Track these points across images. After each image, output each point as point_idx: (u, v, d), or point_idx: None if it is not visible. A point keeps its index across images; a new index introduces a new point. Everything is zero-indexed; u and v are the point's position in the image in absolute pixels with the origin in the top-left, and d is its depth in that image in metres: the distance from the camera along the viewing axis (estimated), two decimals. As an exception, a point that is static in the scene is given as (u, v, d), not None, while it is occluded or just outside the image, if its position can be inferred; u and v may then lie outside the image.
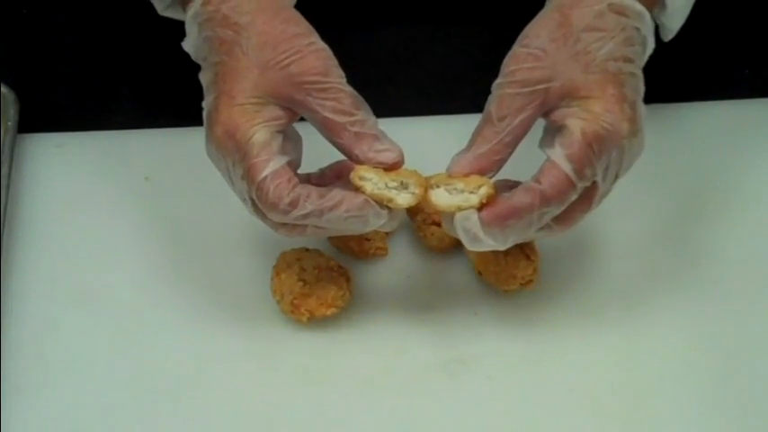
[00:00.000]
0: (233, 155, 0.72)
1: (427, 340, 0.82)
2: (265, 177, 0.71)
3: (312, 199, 0.71)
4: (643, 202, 0.87)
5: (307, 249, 0.83)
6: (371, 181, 0.71)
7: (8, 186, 0.87)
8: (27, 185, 0.89)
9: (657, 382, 0.81)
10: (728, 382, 0.81)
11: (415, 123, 0.89)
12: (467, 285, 0.84)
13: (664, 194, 0.88)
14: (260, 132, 0.71)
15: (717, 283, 0.85)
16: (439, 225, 0.84)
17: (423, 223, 0.85)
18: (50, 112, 0.93)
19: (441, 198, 0.72)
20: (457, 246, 0.85)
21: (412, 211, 0.86)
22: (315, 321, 0.81)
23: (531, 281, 0.82)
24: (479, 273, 0.83)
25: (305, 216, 0.71)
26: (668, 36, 0.80)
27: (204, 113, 0.74)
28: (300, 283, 0.81)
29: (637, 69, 0.73)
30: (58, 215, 0.88)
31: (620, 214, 0.86)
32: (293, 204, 0.71)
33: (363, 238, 0.84)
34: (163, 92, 0.93)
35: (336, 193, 0.71)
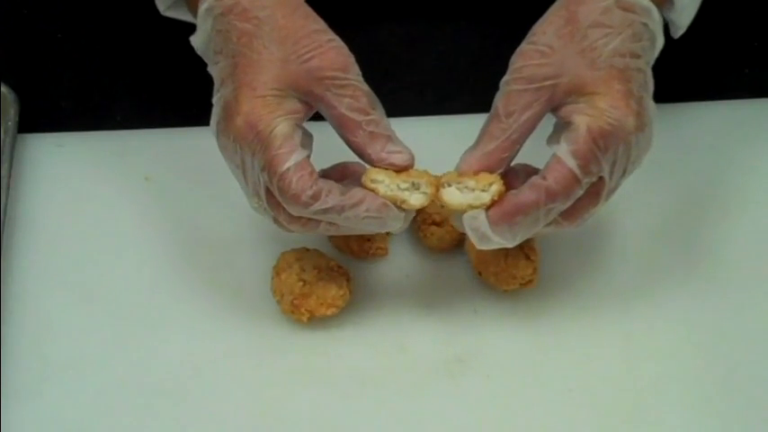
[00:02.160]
0: (253, 146, 0.72)
1: (427, 339, 0.82)
2: (288, 169, 0.71)
3: (334, 194, 0.71)
4: (643, 201, 0.87)
5: (307, 249, 0.83)
6: (383, 183, 0.72)
7: (8, 186, 0.87)
8: (27, 185, 0.89)
9: (657, 381, 0.81)
10: (729, 382, 0.81)
11: (415, 123, 0.89)
12: (467, 285, 0.84)
13: (663, 194, 0.88)
14: (282, 124, 0.71)
15: (716, 283, 0.85)
16: (439, 225, 0.84)
17: (423, 223, 0.85)
18: (50, 112, 0.93)
19: (452, 197, 0.72)
20: (457, 246, 0.85)
21: (412, 211, 0.86)
22: (315, 321, 0.81)
23: (531, 281, 0.82)
24: (479, 273, 0.83)
25: (325, 211, 0.71)
26: (678, 33, 0.80)
27: (219, 105, 0.74)
28: (300, 283, 0.81)
29: (644, 65, 0.73)
30: (58, 215, 0.88)
31: (620, 214, 0.86)
32: (315, 197, 0.71)
33: (364, 238, 0.84)
34: (163, 92, 0.93)
35: (357, 192, 0.71)
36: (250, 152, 0.72)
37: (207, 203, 0.88)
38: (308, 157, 0.72)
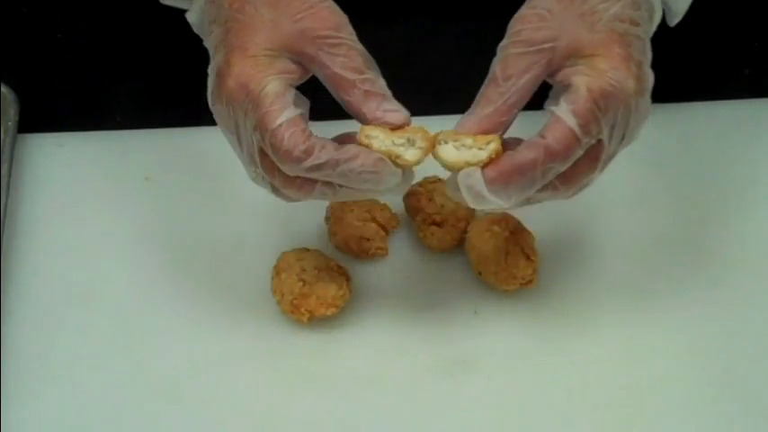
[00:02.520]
0: (245, 106, 0.71)
1: (427, 340, 0.82)
2: (280, 125, 0.70)
3: (328, 149, 0.70)
4: (643, 201, 0.87)
5: (307, 249, 0.83)
6: (378, 138, 0.70)
7: (8, 186, 0.87)
8: (27, 185, 0.89)
9: (657, 382, 0.80)
10: (729, 382, 0.81)
11: (415, 123, 0.89)
12: (467, 285, 0.84)
13: (663, 194, 0.88)
14: (273, 83, 0.71)
15: (716, 283, 0.85)
16: (439, 225, 0.84)
17: (423, 223, 0.85)
18: (50, 112, 0.93)
19: (449, 153, 0.71)
20: (457, 246, 0.85)
21: (412, 211, 0.86)
22: (315, 321, 0.81)
23: (531, 281, 0.82)
24: (479, 273, 0.83)
25: (319, 167, 0.70)
26: (674, 20, 0.79)
27: (213, 72, 0.73)
28: (300, 283, 0.81)
29: (643, 33, 0.72)
30: (58, 215, 0.88)
31: (620, 214, 0.86)
32: (308, 152, 0.70)
33: (363, 238, 0.84)
34: (163, 92, 0.94)
35: (352, 147, 0.70)
36: (242, 113, 0.71)
37: (207, 203, 0.88)
38: (303, 116, 0.71)
